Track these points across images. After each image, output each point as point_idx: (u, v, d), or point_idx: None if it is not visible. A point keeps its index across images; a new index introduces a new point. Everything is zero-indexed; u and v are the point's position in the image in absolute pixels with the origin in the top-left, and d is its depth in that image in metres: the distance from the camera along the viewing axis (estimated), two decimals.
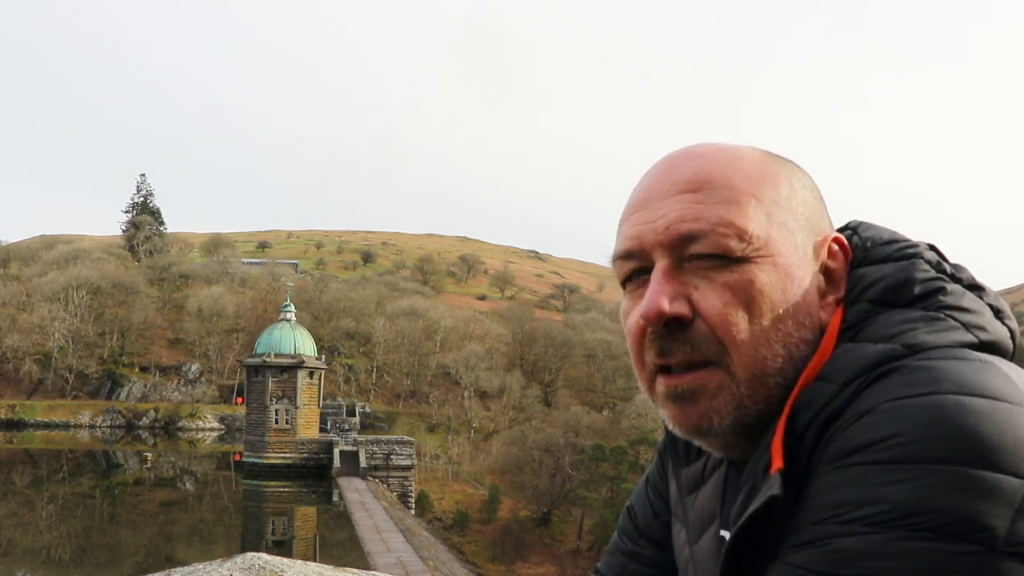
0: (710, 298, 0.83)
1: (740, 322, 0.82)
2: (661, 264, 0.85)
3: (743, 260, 0.83)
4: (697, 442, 0.91)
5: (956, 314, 0.82)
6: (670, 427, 0.90)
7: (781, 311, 0.83)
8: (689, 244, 0.84)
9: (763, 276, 0.83)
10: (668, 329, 0.84)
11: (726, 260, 0.83)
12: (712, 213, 0.83)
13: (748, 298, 0.82)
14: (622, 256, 0.89)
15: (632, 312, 0.88)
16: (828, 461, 0.73)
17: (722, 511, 0.93)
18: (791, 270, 0.84)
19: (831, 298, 0.87)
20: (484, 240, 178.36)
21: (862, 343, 0.80)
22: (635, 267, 0.88)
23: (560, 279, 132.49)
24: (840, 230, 0.94)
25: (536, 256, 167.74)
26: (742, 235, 0.83)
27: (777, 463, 0.76)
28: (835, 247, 0.89)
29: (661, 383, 0.86)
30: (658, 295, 0.83)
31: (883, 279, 0.85)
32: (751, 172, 0.86)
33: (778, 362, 0.83)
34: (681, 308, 0.83)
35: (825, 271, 0.88)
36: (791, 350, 0.83)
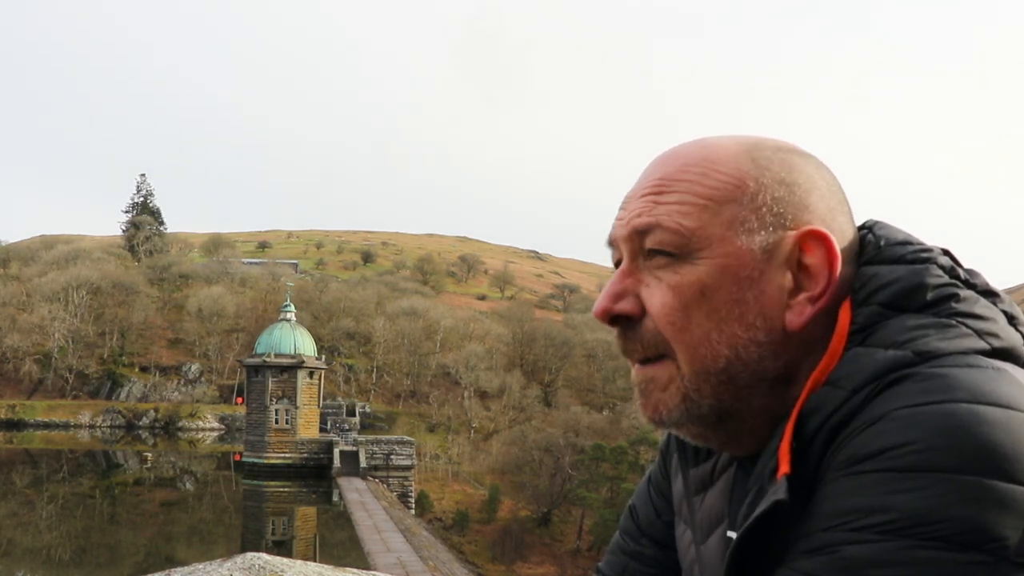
0: (655, 296, 0.85)
1: (678, 321, 0.84)
2: (624, 262, 0.89)
3: (685, 259, 0.84)
4: (666, 431, 0.95)
5: (969, 321, 0.81)
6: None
7: (724, 312, 0.83)
8: (642, 239, 0.87)
9: (706, 277, 0.84)
10: (621, 326, 0.88)
11: (671, 258, 0.85)
12: (662, 212, 0.86)
13: (688, 298, 0.84)
14: (608, 245, 0.94)
15: None
16: (838, 467, 0.73)
17: (730, 512, 0.92)
18: (741, 272, 0.84)
19: (803, 296, 0.85)
20: (484, 240, 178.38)
21: (872, 348, 0.79)
22: (617, 258, 0.92)
23: (560, 279, 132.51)
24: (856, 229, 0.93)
25: (536, 256, 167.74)
26: (684, 233, 0.84)
27: (784, 468, 0.76)
28: (812, 241, 0.85)
29: (632, 372, 0.92)
30: (606, 294, 0.88)
31: (895, 282, 0.83)
32: (713, 173, 0.86)
33: (720, 362, 0.84)
34: (627, 306, 0.87)
35: (801, 267, 0.85)
36: (738, 351, 0.84)
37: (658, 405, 0.88)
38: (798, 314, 0.84)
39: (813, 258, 0.85)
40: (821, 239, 0.85)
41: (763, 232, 0.85)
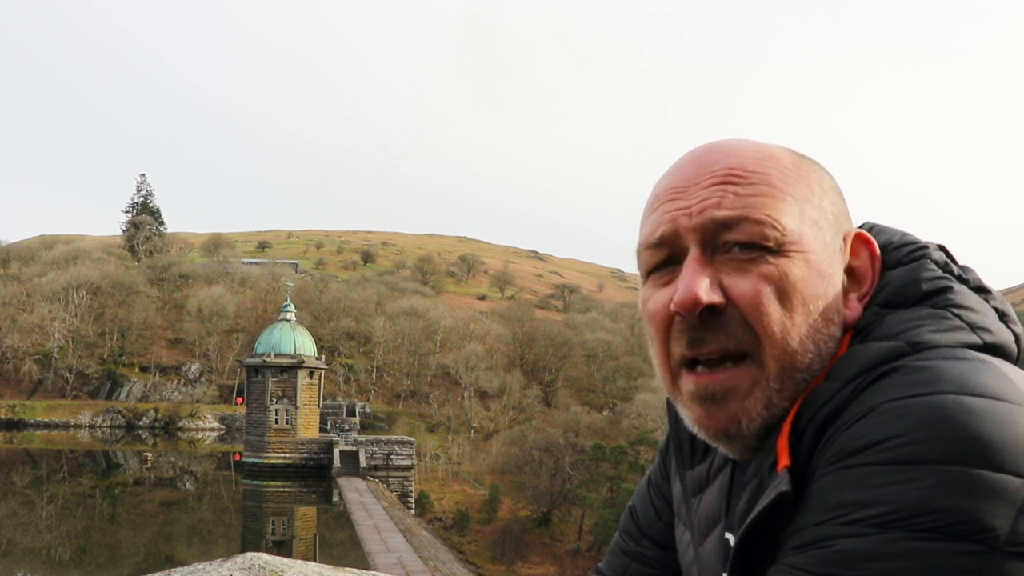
0: (743, 286, 0.83)
1: (774, 312, 0.82)
2: (694, 252, 0.85)
3: (777, 253, 0.83)
4: (718, 446, 0.90)
5: (963, 313, 0.83)
6: (692, 429, 0.88)
7: (812, 307, 0.83)
8: (723, 231, 0.84)
9: (796, 270, 0.83)
10: (701, 319, 0.83)
11: (760, 251, 0.83)
12: (749, 203, 0.84)
13: (782, 290, 0.82)
14: (654, 244, 0.88)
15: (654, 299, 0.88)
16: (829, 461, 0.73)
17: (727, 513, 0.92)
18: (822, 267, 0.85)
19: (853, 295, 0.88)
20: (484, 240, 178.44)
21: (869, 343, 0.82)
22: (665, 256, 0.88)
23: (560, 279, 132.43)
24: None
25: (536, 256, 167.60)
26: (777, 227, 0.83)
27: (784, 460, 0.77)
28: (859, 244, 0.90)
29: (689, 381, 0.85)
30: (694, 283, 0.83)
31: (891, 283, 0.87)
32: (785, 169, 0.88)
33: (807, 357, 0.83)
34: (716, 296, 0.83)
35: (848, 269, 0.89)
36: (820, 346, 0.84)
37: (736, 415, 0.84)
38: (852, 310, 0.87)
39: (859, 260, 0.90)
40: (866, 242, 0.90)
41: (829, 232, 0.88)
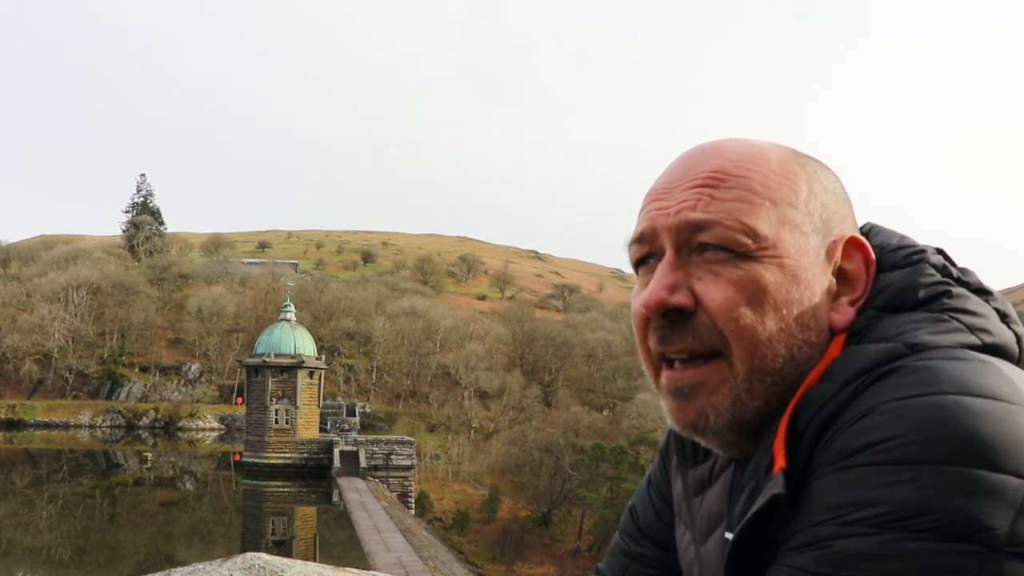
0: (713, 290, 0.84)
1: (741, 317, 0.83)
2: (668, 253, 0.87)
3: (749, 258, 0.84)
4: (696, 439, 0.92)
5: (961, 316, 0.82)
6: (669, 422, 0.91)
7: (784, 311, 0.84)
8: (697, 233, 0.85)
9: (768, 276, 0.83)
10: (670, 319, 0.85)
11: (732, 255, 0.84)
12: (723, 207, 0.85)
13: (751, 295, 0.83)
14: (635, 240, 0.91)
15: (635, 299, 0.90)
16: (828, 462, 0.73)
17: (729, 513, 0.92)
18: (799, 272, 0.85)
19: (845, 299, 0.87)
20: (484, 240, 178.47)
21: (865, 344, 0.81)
22: (645, 252, 0.90)
23: (560, 279, 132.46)
24: None
25: (536, 256, 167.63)
26: (750, 233, 0.84)
27: (779, 463, 0.77)
28: (851, 248, 0.89)
29: (665, 376, 0.88)
30: (660, 285, 0.85)
31: (889, 286, 0.86)
32: (769, 173, 0.87)
33: (778, 361, 0.84)
34: (682, 299, 0.84)
35: (840, 272, 0.88)
36: (793, 351, 0.84)
37: (705, 409, 0.85)
38: (842, 314, 0.87)
39: (852, 264, 0.88)
40: (860, 247, 0.89)
41: (815, 237, 0.87)
